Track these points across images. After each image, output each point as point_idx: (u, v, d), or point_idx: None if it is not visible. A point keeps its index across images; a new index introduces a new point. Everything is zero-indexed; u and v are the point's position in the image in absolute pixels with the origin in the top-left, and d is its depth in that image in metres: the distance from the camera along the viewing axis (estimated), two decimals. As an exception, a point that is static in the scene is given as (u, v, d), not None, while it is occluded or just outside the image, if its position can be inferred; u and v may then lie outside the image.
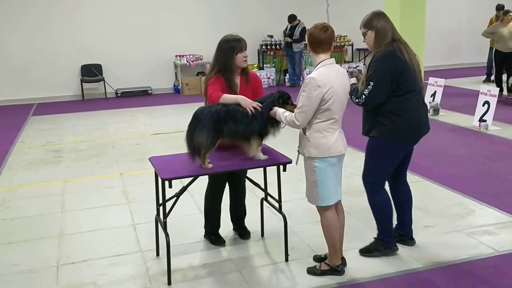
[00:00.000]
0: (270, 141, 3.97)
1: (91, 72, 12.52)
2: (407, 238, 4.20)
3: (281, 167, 3.90)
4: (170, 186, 3.57)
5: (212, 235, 4.41)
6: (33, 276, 3.96)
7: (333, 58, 3.58)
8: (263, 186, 4.16)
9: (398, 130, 3.72)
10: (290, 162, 3.85)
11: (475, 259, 3.97)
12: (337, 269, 3.76)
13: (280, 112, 3.62)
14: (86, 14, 12.36)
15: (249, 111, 3.70)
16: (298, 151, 3.65)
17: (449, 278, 3.71)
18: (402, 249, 4.13)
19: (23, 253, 4.35)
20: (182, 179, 3.86)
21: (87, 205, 5.41)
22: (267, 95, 3.87)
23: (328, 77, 3.40)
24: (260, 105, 3.73)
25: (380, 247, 4.03)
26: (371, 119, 3.81)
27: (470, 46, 15.84)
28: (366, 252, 4.06)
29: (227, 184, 4.33)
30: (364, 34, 3.81)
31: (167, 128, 8.88)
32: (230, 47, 3.97)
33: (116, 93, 12.83)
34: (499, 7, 12.49)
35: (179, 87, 12.91)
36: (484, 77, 12.84)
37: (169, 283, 3.74)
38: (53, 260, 4.19)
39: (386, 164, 3.87)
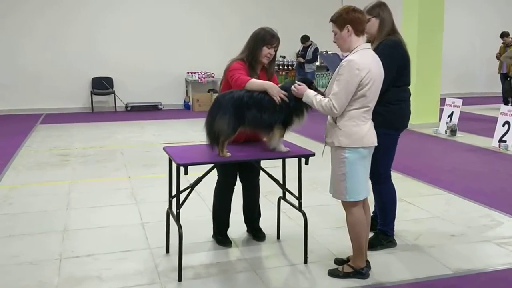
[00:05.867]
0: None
1: (102, 85, 12.43)
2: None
3: (303, 161, 3.67)
4: (186, 173, 3.33)
5: (219, 235, 4.14)
6: (34, 267, 3.70)
7: (369, 43, 3.39)
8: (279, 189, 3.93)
9: (393, 118, 3.76)
10: (313, 154, 3.62)
11: (509, 268, 3.69)
12: (362, 271, 3.47)
13: (311, 94, 3.32)
14: (99, 28, 12.36)
15: (276, 101, 3.50)
16: (325, 141, 3.41)
17: (481, 285, 3.43)
18: (429, 255, 3.88)
19: (25, 246, 4.09)
20: (193, 178, 3.63)
21: (93, 204, 5.17)
22: (288, 81, 3.68)
23: (366, 61, 3.17)
24: (286, 94, 3.52)
25: (383, 241, 3.98)
26: None
27: (483, 75, 15.73)
28: (369, 247, 3.78)
29: (239, 183, 4.10)
30: (367, 21, 3.73)
31: (177, 139, 8.67)
32: (263, 33, 3.85)
33: (126, 107, 12.71)
34: (504, 34, 12.53)
35: (189, 103, 12.78)
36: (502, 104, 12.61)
37: (180, 279, 3.47)
38: (55, 253, 3.93)
39: (388, 151, 3.83)
